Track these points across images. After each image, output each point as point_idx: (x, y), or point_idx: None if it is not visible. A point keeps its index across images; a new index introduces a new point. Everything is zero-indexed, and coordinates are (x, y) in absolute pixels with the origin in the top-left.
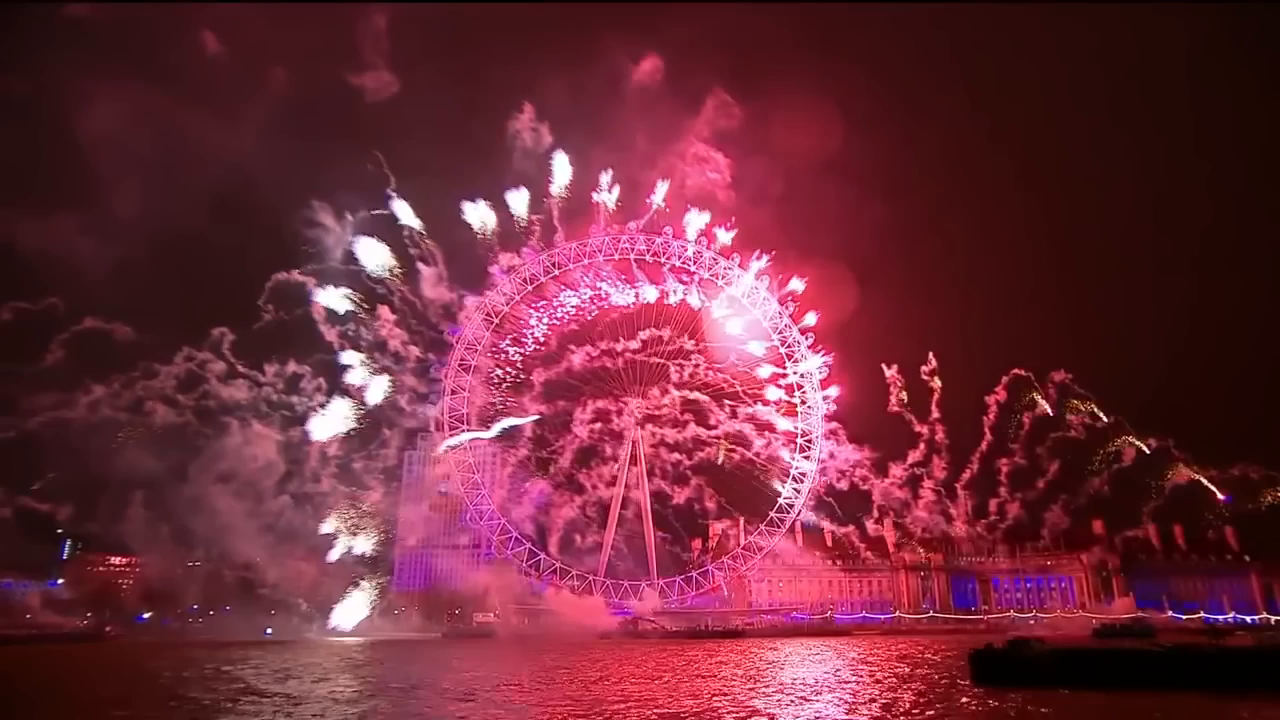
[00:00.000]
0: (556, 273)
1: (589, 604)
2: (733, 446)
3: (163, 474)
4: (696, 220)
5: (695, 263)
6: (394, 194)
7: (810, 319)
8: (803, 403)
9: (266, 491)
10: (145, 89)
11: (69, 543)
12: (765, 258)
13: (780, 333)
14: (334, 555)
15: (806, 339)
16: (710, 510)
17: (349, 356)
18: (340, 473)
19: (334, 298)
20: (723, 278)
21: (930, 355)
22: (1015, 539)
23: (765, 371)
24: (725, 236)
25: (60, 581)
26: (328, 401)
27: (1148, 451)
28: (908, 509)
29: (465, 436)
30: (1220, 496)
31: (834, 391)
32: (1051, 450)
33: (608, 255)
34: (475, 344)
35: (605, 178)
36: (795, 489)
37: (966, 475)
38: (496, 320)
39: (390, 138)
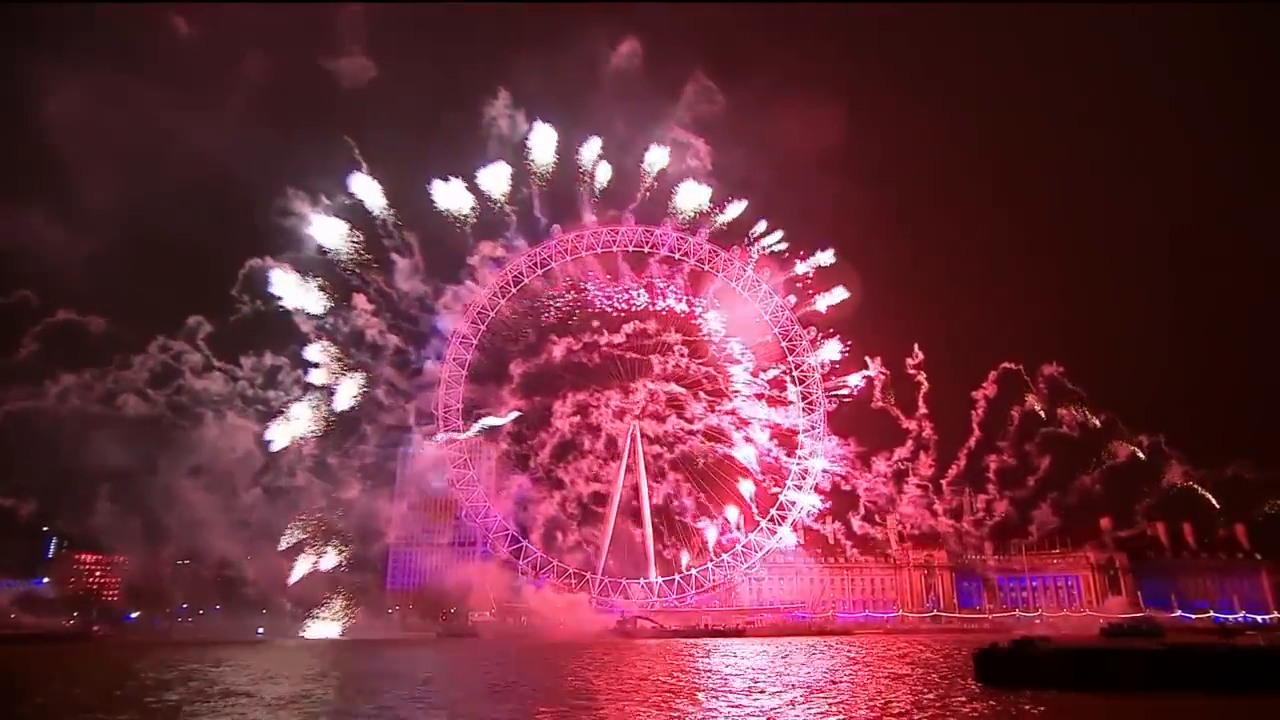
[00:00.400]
0: (554, 264)
1: (571, 603)
2: (712, 444)
3: (137, 468)
4: (694, 195)
5: (693, 255)
6: (362, 179)
7: (821, 304)
8: (805, 397)
9: (241, 484)
10: (115, 75)
11: (54, 541)
12: (778, 234)
13: (781, 325)
14: (297, 574)
15: (809, 332)
16: (688, 507)
17: (314, 352)
18: (317, 468)
19: (289, 282)
20: (723, 269)
21: (916, 348)
22: (1007, 536)
23: (764, 367)
24: (730, 213)
25: (45, 580)
26: (303, 396)
27: (1142, 457)
28: (892, 505)
29: (441, 436)
30: (1215, 504)
31: (857, 380)
32: (1041, 446)
33: (605, 247)
34: (469, 338)
35: (592, 148)
36: (797, 485)
37: (953, 472)
38: (492, 313)
39: (366, 124)
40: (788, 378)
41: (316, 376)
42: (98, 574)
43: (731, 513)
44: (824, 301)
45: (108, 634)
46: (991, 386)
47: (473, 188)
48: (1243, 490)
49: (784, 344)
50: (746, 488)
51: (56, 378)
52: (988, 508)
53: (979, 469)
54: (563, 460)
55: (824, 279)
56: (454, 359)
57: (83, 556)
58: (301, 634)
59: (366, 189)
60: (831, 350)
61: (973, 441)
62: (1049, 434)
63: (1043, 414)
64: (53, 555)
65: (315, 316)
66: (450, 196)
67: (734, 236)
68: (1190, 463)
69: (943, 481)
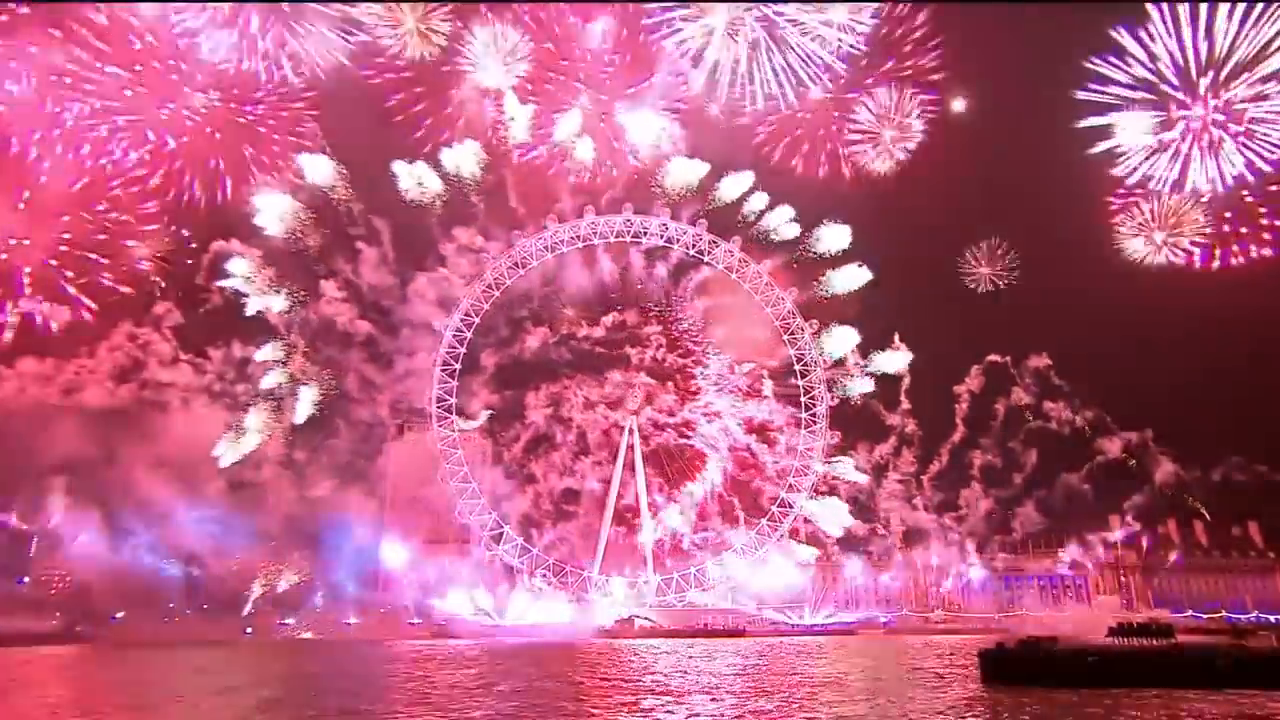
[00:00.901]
0: (549, 256)
1: (558, 601)
2: (689, 443)
3: (97, 459)
4: (686, 171)
5: (692, 247)
6: (313, 158)
7: (837, 286)
8: (808, 392)
9: (205, 479)
10: (70, 55)
11: (36, 539)
12: (788, 211)
13: (782, 317)
14: (253, 598)
15: (810, 325)
16: (659, 504)
17: (269, 352)
18: (286, 461)
19: (248, 271)
20: (723, 261)
21: (896, 338)
22: (999, 534)
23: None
24: (730, 189)
25: (26, 580)
26: (259, 401)
27: (1132, 462)
28: (873, 500)
29: (438, 432)
30: (1205, 514)
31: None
32: (1026, 442)
33: (603, 237)
34: (463, 331)
35: (570, 122)
36: (797, 483)
37: (935, 468)
38: (487, 305)
39: (333, 109)
40: (764, 372)
41: (271, 380)
42: (84, 572)
43: (673, 513)
44: (839, 284)
45: (91, 634)
46: (977, 380)
47: (440, 171)
48: (1239, 492)
49: (785, 337)
50: (714, 474)
51: (20, 371)
52: (972, 505)
53: (963, 465)
54: (537, 455)
55: (815, 267)
56: (448, 352)
57: (59, 555)
58: (294, 635)
59: (318, 168)
60: (844, 341)
61: (957, 437)
62: (1036, 429)
63: (1029, 414)
64: (35, 554)
65: (282, 311)
66: (416, 180)
67: (728, 221)
68: (1180, 462)
69: (923, 478)
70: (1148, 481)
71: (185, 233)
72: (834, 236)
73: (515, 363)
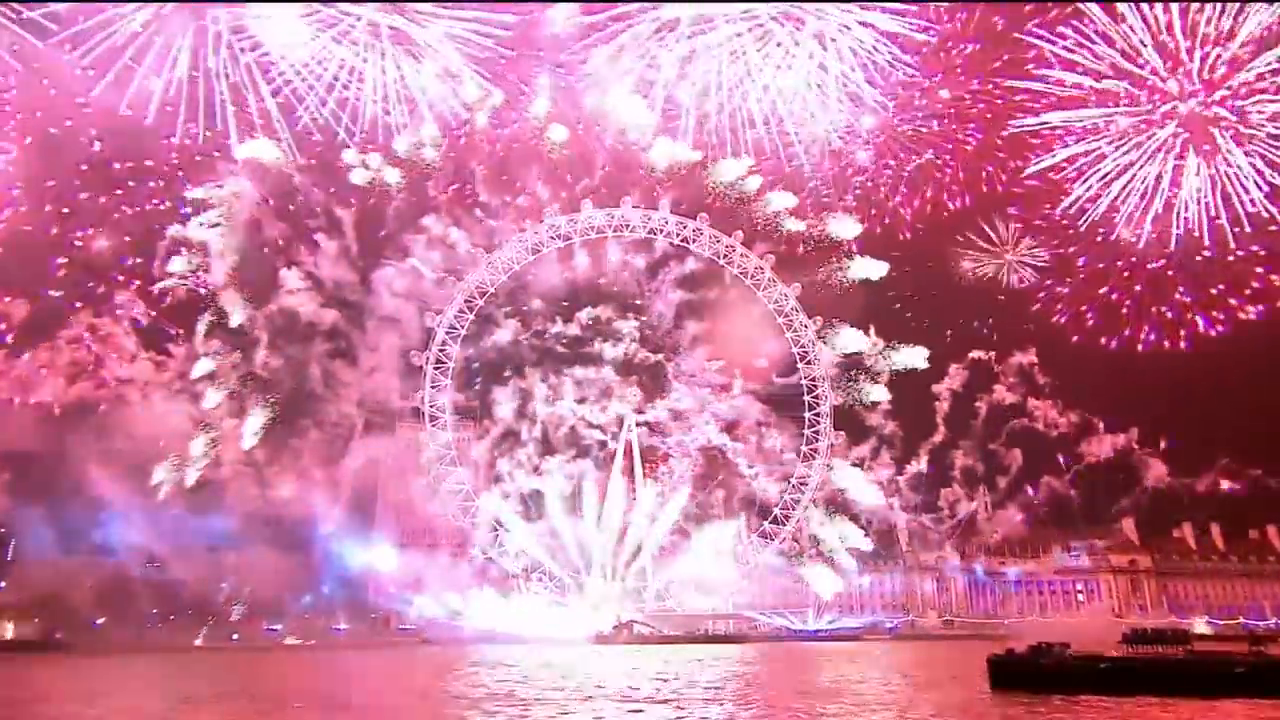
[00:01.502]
0: (546, 251)
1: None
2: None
3: (49, 455)
4: (670, 151)
5: (693, 241)
6: (258, 143)
7: (855, 274)
8: (810, 390)
9: (158, 476)
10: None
11: (14, 543)
12: (788, 198)
13: (786, 316)
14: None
15: (814, 322)
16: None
17: (205, 365)
18: (247, 459)
19: (184, 265)
20: (724, 255)
21: (871, 331)
22: (999, 538)
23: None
24: (725, 173)
25: (3, 585)
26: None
27: (1120, 475)
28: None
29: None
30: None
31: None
32: (1011, 440)
33: (600, 232)
34: (458, 328)
35: (541, 105)
36: (800, 483)
37: (916, 468)
38: (481, 300)
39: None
40: (738, 371)
41: (214, 398)
42: (64, 578)
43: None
44: (857, 272)
45: (71, 641)
46: (960, 375)
47: (396, 158)
48: (1230, 495)
49: (789, 334)
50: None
51: None
52: (952, 507)
53: (945, 465)
54: (502, 452)
55: (807, 262)
56: (441, 351)
57: (46, 560)
58: (280, 641)
59: (267, 152)
60: (852, 340)
61: (938, 437)
62: (1022, 427)
63: (1014, 413)
64: (12, 558)
65: (245, 310)
66: (373, 170)
67: (723, 211)
68: (1169, 463)
69: (900, 478)
70: (1139, 484)
71: (157, 213)
72: (843, 227)
73: (484, 358)
